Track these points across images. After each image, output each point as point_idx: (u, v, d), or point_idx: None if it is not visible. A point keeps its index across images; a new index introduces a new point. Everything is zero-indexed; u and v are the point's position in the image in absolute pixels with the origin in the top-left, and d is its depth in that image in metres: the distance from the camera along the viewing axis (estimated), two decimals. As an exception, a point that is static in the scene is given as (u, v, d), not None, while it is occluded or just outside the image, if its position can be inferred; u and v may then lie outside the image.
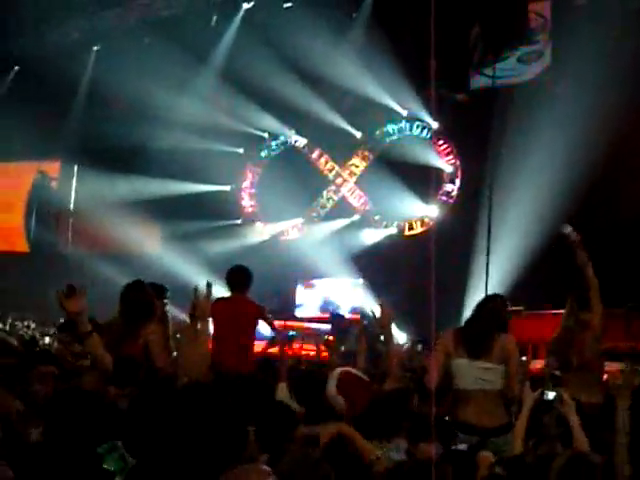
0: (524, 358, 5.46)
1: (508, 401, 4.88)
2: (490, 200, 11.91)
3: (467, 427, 4.77)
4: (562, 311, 6.22)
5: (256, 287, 6.72)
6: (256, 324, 6.54)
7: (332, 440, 3.52)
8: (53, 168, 18.03)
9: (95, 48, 17.21)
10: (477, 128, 13.30)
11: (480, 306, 5.26)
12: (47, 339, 8.88)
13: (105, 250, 15.64)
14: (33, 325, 12.65)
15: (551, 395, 4.46)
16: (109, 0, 16.01)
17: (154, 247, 15.72)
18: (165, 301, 6.09)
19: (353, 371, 4.47)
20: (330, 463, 2.97)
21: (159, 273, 13.15)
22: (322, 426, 3.73)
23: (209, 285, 3.81)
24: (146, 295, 5.34)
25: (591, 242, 5.75)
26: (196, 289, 3.72)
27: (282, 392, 4.72)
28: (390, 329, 4.96)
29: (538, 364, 7.86)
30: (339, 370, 4.37)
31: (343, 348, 7.90)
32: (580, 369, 5.74)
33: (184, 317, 4.76)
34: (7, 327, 8.17)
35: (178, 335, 5.11)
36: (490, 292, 11.58)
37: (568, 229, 5.77)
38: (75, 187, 17.72)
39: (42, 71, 17.58)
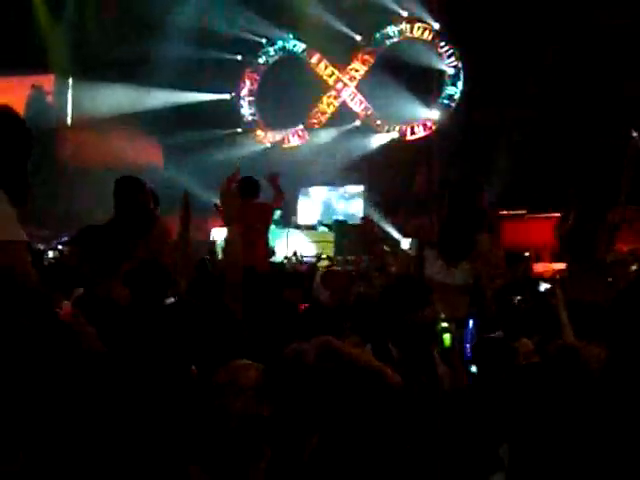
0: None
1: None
2: (491, 101, 11.75)
3: None
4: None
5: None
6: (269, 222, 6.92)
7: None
8: (47, 82, 17.72)
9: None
10: (479, 28, 12.98)
11: (456, 201, 5.00)
12: (51, 253, 8.96)
13: (105, 164, 15.53)
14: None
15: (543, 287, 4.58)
16: None
17: (155, 159, 15.60)
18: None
19: (337, 268, 5.05)
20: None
21: (161, 185, 13.11)
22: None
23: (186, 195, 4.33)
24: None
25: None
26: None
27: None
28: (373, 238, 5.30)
29: (541, 267, 7.90)
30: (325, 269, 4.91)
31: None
32: (590, 266, 5.72)
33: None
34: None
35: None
36: (491, 196, 11.68)
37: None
38: (71, 101, 17.46)
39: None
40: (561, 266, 6.23)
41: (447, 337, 3.35)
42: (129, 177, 5.12)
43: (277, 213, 13.92)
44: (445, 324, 3.37)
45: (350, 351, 2.77)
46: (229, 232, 3.67)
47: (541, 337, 4.03)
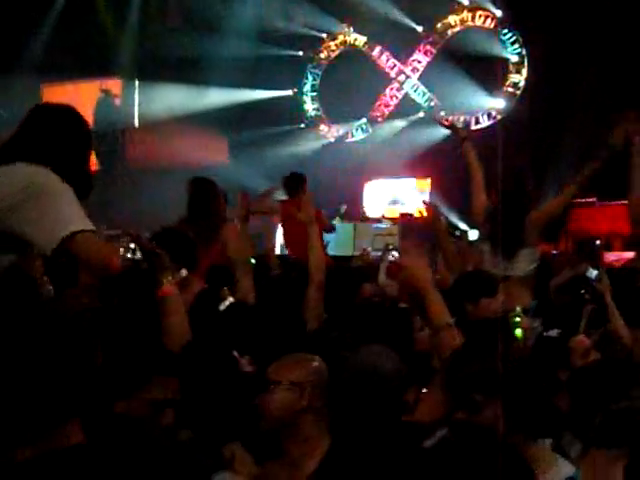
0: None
1: None
2: (559, 88, 11.51)
3: None
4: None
5: (324, 192, 6.86)
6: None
7: None
8: (115, 85, 18.10)
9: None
10: (542, 14, 12.73)
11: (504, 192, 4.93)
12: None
13: (172, 164, 15.79)
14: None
15: (594, 274, 4.49)
16: None
17: (221, 157, 15.78)
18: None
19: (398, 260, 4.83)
20: None
21: (227, 183, 13.27)
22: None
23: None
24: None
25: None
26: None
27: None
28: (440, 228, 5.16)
29: (612, 256, 7.71)
30: (385, 262, 4.78)
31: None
32: None
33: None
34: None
35: None
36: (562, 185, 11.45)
37: None
38: (138, 103, 17.80)
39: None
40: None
41: (519, 331, 3.28)
42: (204, 180, 5.23)
43: (343, 207, 13.98)
44: (518, 318, 3.31)
45: None
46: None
47: (601, 332, 3.96)
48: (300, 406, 2.55)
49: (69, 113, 2.87)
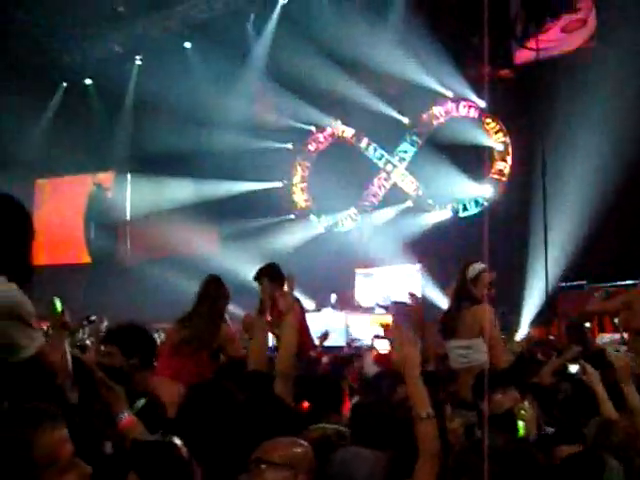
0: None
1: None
2: (544, 175, 11.72)
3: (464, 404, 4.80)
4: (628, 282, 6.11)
5: (315, 281, 6.81)
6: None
7: None
8: (107, 179, 18.37)
9: (138, 57, 17.45)
10: (525, 103, 13.12)
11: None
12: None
13: (164, 255, 15.87)
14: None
15: (574, 369, 4.47)
16: (148, 9, 16.18)
17: (212, 248, 15.88)
18: None
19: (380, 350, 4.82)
20: None
21: (218, 273, 13.30)
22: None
23: None
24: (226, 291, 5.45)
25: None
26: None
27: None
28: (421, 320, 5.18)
29: (605, 338, 7.73)
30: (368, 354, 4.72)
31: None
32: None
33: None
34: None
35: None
36: (550, 268, 11.56)
37: None
38: (130, 195, 18.01)
39: (89, 85, 18.01)
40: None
41: (521, 425, 3.24)
42: (214, 279, 5.34)
43: (333, 297, 14.00)
44: (523, 411, 3.28)
45: None
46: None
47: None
48: None
49: (6, 201, 2.87)
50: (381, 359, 4.73)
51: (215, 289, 5.47)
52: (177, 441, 2.39)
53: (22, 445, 1.83)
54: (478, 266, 5.36)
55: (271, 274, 6.10)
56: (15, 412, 1.94)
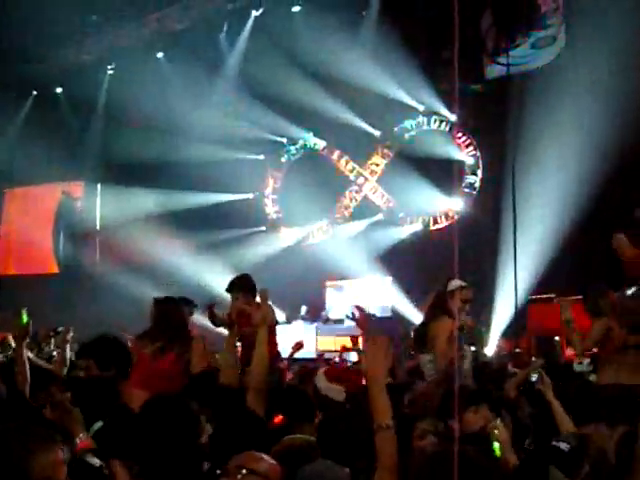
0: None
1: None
2: (514, 189, 11.84)
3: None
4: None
5: (285, 293, 6.78)
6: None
7: None
8: (76, 189, 18.22)
9: (110, 67, 17.35)
10: (495, 117, 13.23)
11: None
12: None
13: (133, 265, 15.75)
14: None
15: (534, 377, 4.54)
16: (121, 19, 16.10)
17: (182, 258, 15.80)
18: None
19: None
20: None
21: (188, 284, 13.25)
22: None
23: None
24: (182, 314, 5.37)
25: (616, 226, 5.71)
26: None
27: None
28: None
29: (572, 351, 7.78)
30: (321, 369, 4.67)
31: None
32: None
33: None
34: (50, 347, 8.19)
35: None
36: (519, 281, 11.65)
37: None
38: (99, 206, 17.88)
39: (59, 94, 17.86)
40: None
41: (497, 446, 3.19)
42: (167, 300, 5.26)
43: (303, 309, 13.98)
44: (496, 431, 3.26)
45: None
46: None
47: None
48: None
49: None
50: (332, 373, 4.64)
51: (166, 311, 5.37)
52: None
53: (20, 466, 1.81)
54: (457, 282, 5.45)
55: (244, 286, 6.06)
56: (12, 433, 1.91)
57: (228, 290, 6.10)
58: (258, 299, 5.05)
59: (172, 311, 5.31)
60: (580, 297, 6.52)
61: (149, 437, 2.72)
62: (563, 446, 3.08)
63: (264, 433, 3.30)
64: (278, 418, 3.88)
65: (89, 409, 3.28)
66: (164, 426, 2.74)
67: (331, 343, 12.20)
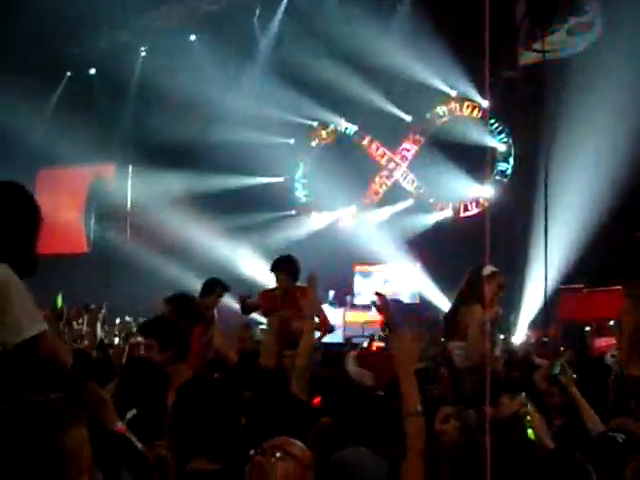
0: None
1: None
2: (546, 177, 11.70)
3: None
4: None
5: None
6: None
7: None
8: (108, 170, 18.37)
9: (143, 49, 17.42)
10: (529, 104, 13.10)
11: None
12: (116, 339, 8.76)
13: (163, 247, 15.87)
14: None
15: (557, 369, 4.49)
16: (154, 1, 16.13)
17: (211, 241, 15.88)
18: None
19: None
20: None
21: (217, 266, 13.32)
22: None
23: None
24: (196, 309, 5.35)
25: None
26: None
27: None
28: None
29: (603, 342, 7.71)
30: (351, 353, 4.65)
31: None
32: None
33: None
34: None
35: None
36: (550, 270, 11.55)
37: None
38: (131, 187, 18.01)
39: (93, 76, 17.98)
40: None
41: (531, 432, 3.19)
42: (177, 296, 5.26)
43: (331, 293, 13.99)
44: (529, 417, 3.24)
45: None
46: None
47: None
48: None
49: (12, 189, 2.80)
50: (362, 359, 4.59)
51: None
52: None
53: (55, 440, 1.85)
54: (491, 268, 5.40)
55: (289, 268, 6.03)
56: (45, 407, 1.94)
57: (272, 269, 6.08)
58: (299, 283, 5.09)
59: (186, 302, 5.29)
60: (611, 288, 6.45)
61: (191, 416, 2.76)
62: (619, 437, 3.10)
63: (306, 415, 3.36)
64: (317, 399, 3.93)
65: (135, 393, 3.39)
66: (207, 406, 2.77)
67: (358, 329, 12.23)
